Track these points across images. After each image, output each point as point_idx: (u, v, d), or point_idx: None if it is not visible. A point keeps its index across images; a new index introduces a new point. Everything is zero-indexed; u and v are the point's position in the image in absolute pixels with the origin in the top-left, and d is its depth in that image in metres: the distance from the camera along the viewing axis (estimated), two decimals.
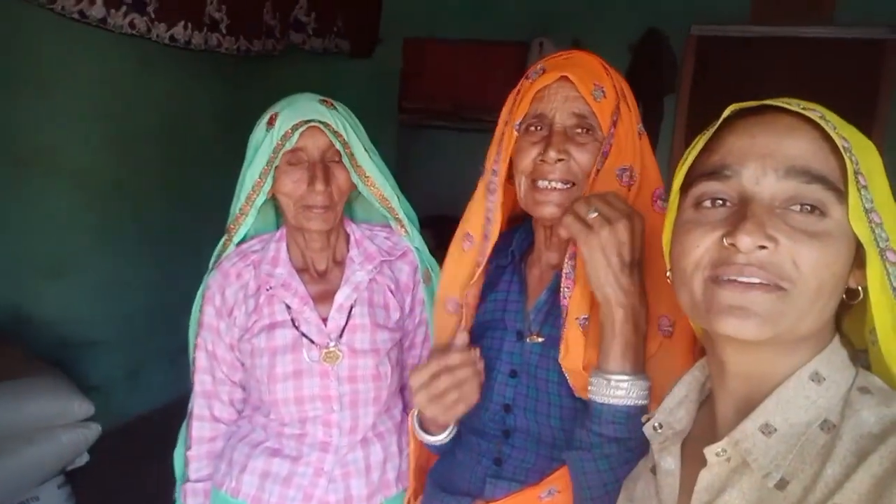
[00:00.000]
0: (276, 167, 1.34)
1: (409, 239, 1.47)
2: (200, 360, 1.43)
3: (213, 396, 1.45)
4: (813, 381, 0.63)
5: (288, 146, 1.31)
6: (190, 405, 1.46)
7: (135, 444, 3.43)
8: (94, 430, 2.79)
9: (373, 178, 1.40)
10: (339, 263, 1.43)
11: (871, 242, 0.61)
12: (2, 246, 3.02)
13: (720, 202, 0.65)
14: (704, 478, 0.67)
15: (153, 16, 2.84)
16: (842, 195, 0.61)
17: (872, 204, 0.61)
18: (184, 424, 1.49)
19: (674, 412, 0.77)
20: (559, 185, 1.08)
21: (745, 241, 0.60)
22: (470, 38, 4.11)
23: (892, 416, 0.59)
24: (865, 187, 0.61)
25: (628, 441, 0.91)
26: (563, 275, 1.06)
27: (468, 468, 1.16)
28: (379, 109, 4.08)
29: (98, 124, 3.34)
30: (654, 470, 0.76)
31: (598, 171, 1.07)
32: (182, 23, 2.99)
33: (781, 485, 0.60)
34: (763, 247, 0.60)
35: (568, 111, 1.08)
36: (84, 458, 2.90)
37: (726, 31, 3.75)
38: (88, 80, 3.26)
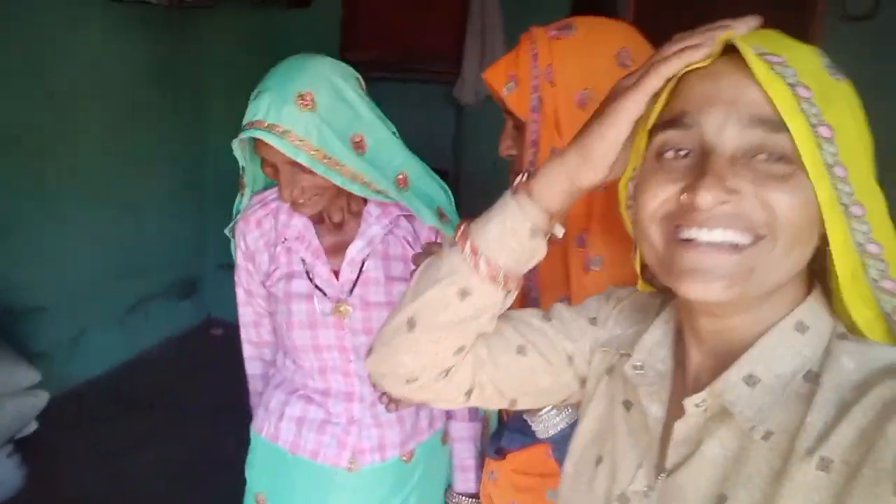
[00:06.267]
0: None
1: (423, 216, 1.35)
2: (240, 294, 1.49)
3: (256, 325, 1.52)
4: (798, 330, 0.61)
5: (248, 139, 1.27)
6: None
7: (83, 410, 3.40)
8: (42, 397, 2.75)
9: (363, 174, 1.28)
10: (356, 214, 1.39)
11: (830, 198, 0.57)
12: None
13: (682, 152, 0.61)
14: (680, 430, 0.65)
15: None
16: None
17: (836, 157, 0.57)
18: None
19: (653, 352, 0.74)
20: None
21: (706, 198, 0.56)
22: None
23: (871, 364, 0.58)
24: (829, 139, 0.57)
25: None
26: None
27: None
28: None
29: (28, 80, 3.18)
30: (626, 405, 0.74)
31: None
32: None
33: (766, 436, 0.59)
34: (726, 202, 0.56)
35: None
36: (33, 426, 2.85)
37: None
38: (15, 35, 3.09)
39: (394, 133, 1.36)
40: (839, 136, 0.57)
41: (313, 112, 1.22)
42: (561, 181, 0.67)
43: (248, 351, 1.56)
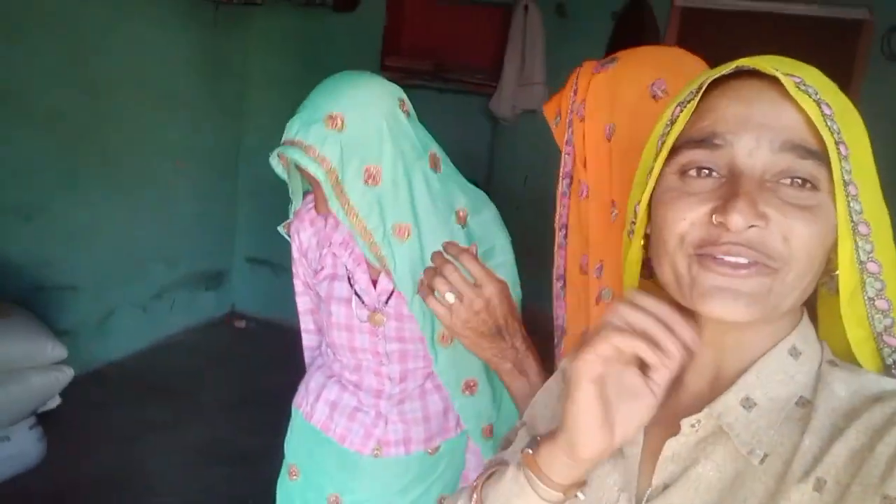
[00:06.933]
0: None
1: (398, 282, 1.31)
2: (297, 285, 1.57)
3: (314, 312, 1.59)
4: (791, 355, 0.62)
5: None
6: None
7: (106, 390, 3.46)
8: (67, 373, 2.81)
9: (357, 209, 1.27)
10: None
11: (844, 216, 0.59)
12: None
13: (706, 171, 0.60)
14: (671, 446, 0.65)
15: None
16: (830, 168, 0.58)
17: (850, 175, 0.58)
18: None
19: None
20: None
21: (737, 220, 0.56)
22: None
23: (862, 392, 0.59)
24: (846, 157, 0.58)
25: None
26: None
27: None
28: (360, 67, 4.01)
29: (70, 68, 3.27)
30: None
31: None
32: None
33: (763, 459, 0.60)
34: (754, 225, 0.57)
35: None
36: (56, 401, 2.91)
37: (710, 4, 3.77)
38: (61, 24, 3.18)
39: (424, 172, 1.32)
40: (853, 155, 0.59)
41: (339, 133, 1.24)
42: (563, 462, 0.65)
43: (306, 340, 1.63)
